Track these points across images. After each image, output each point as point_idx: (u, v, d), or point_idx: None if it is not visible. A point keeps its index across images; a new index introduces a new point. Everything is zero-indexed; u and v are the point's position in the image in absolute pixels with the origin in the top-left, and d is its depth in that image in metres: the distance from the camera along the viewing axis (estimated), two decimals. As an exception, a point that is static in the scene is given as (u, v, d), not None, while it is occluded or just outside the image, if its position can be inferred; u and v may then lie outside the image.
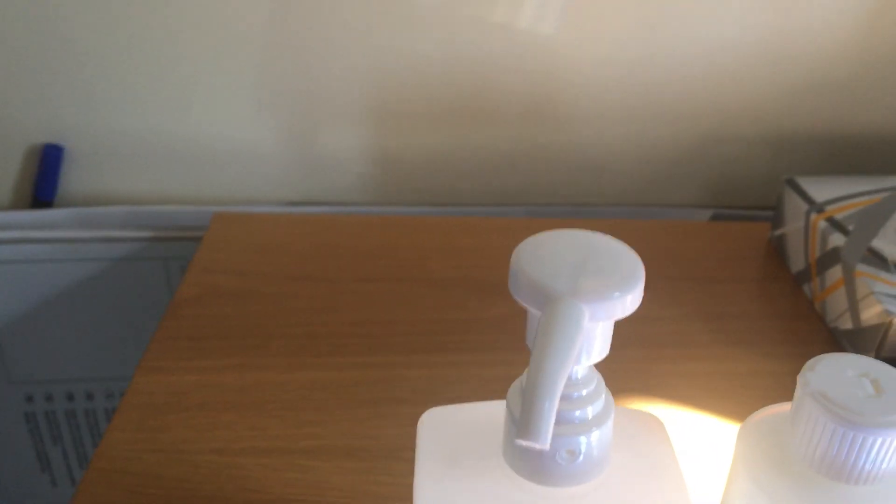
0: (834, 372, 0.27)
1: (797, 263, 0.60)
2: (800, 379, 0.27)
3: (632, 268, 0.24)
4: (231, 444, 0.47)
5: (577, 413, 0.25)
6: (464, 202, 0.71)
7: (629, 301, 0.23)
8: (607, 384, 0.51)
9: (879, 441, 0.25)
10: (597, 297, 0.23)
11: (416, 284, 0.60)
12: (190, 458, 0.46)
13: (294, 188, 0.71)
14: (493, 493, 0.26)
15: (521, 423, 0.20)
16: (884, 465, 0.26)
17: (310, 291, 0.59)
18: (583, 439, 0.25)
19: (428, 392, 0.51)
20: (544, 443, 0.20)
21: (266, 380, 0.51)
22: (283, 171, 0.70)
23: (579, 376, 0.25)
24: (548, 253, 0.24)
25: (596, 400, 0.25)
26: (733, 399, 0.50)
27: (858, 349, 0.51)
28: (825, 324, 0.56)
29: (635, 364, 0.53)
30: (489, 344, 0.54)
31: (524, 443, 0.20)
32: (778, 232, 0.63)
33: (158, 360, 0.52)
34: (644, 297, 0.60)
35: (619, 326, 0.56)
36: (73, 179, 0.70)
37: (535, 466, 0.25)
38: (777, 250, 0.63)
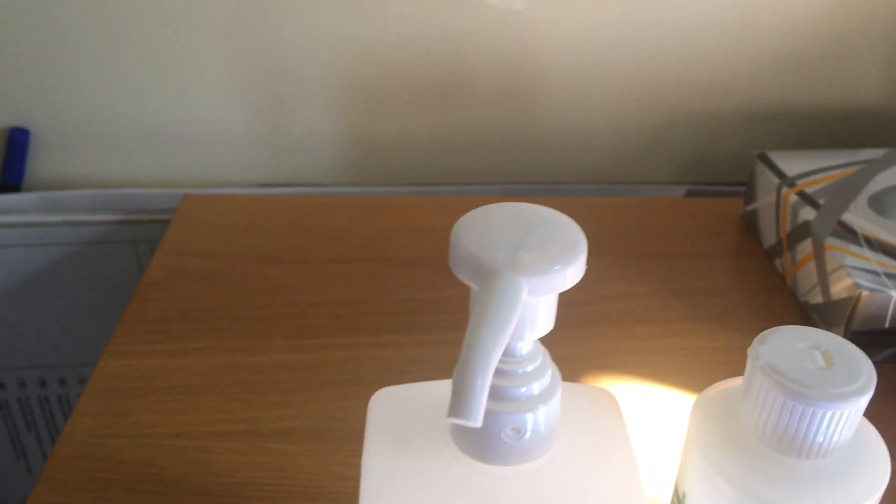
0: (785, 345, 0.26)
1: (769, 238, 0.60)
2: (750, 352, 0.26)
3: (573, 240, 0.23)
4: (196, 427, 0.46)
5: (523, 390, 0.25)
6: (437, 182, 0.71)
7: (570, 274, 0.23)
8: (574, 362, 0.51)
9: (829, 414, 0.25)
10: (536, 270, 0.22)
11: (385, 264, 0.59)
12: (154, 443, 0.45)
13: (265, 170, 0.70)
14: (440, 473, 0.25)
15: (453, 399, 0.20)
16: (835, 439, 0.26)
17: (278, 273, 0.58)
18: (529, 416, 0.24)
19: (396, 372, 0.50)
20: (476, 420, 0.20)
21: (233, 362, 0.50)
22: (253, 153, 0.69)
23: (524, 352, 0.25)
24: (488, 226, 0.23)
25: (542, 376, 0.25)
26: (701, 375, 0.50)
27: (828, 323, 0.51)
28: (796, 298, 0.56)
29: (604, 341, 0.53)
30: (459, 323, 0.53)
31: (456, 420, 0.20)
32: (750, 207, 0.62)
33: (124, 343, 0.52)
34: (615, 275, 0.60)
35: (589, 304, 0.56)
36: (40, 163, 0.69)
37: (480, 445, 0.25)
38: (749, 225, 0.63)
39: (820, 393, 0.25)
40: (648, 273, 0.59)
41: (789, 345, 0.26)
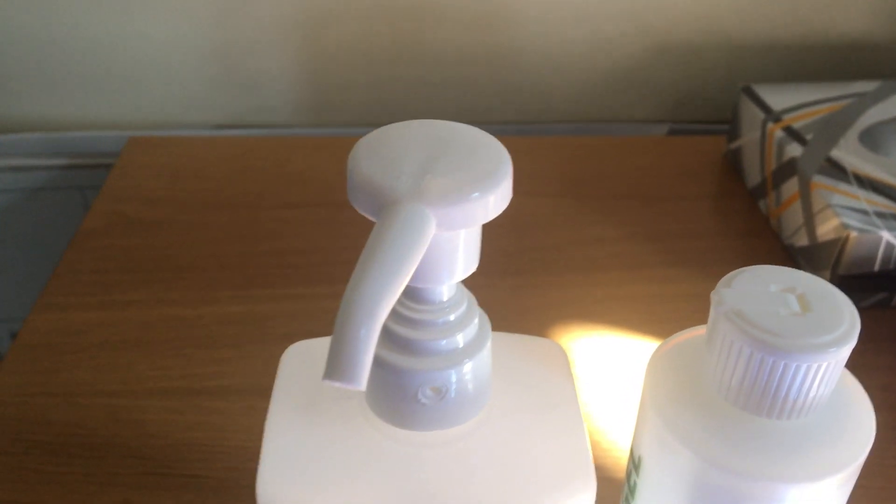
0: (755, 287, 0.23)
1: (753, 177, 0.56)
2: (713, 296, 0.23)
3: (494, 162, 0.19)
4: (131, 385, 0.43)
5: (444, 342, 0.21)
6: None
7: (492, 203, 0.19)
8: (539, 311, 0.47)
9: (804, 367, 0.21)
10: (446, 199, 0.18)
11: (343, 209, 0.55)
12: (84, 402, 0.42)
13: (221, 110, 0.66)
14: (350, 440, 0.22)
15: (330, 357, 0.16)
16: (811, 396, 0.22)
17: (227, 219, 0.54)
18: (451, 373, 0.21)
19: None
20: (358, 382, 0.16)
21: (174, 315, 0.47)
22: (208, 92, 0.65)
23: (444, 298, 0.21)
24: (393, 149, 0.19)
25: (467, 325, 0.21)
26: (677, 324, 0.46)
27: (815, 267, 0.47)
28: (781, 241, 0.52)
29: (574, 289, 0.49)
30: (418, 271, 0.50)
31: (334, 383, 0.16)
32: (734, 145, 0.58)
33: (58, 296, 0.48)
34: (589, 219, 0.56)
35: (560, 249, 0.52)
36: (-23, 105, 0.64)
37: (395, 408, 0.21)
38: (733, 165, 0.59)
39: (793, 343, 0.21)
40: (625, 216, 0.55)
41: (759, 287, 0.23)
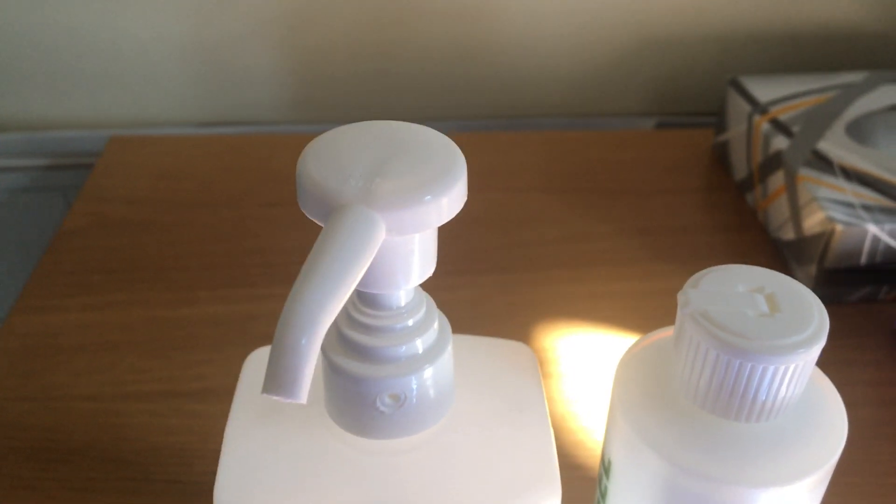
0: (722, 287, 0.22)
1: (740, 171, 0.55)
2: (679, 297, 0.22)
3: (446, 164, 0.19)
4: (110, 388, 0.42)
5: (403, 349, 0.20)
6: (387, 119, 0.66)
7: (445, 205, 0.18)
8: (522, 309, 0.47)
9: (771, 370, 0.21)
10: (397, 203, 0.18)
11: (326, 207, 0.55)
12: (62, 406, 0.41)
13: (204, 107, 0.65)
14: (310, 448, 0.21)
15: (269, 368, 0.16)
16: (780, 398, 0.21)
17: (209, 219, 0.54)
18: (410, 380, 0.20)
19: (331, 324, 0.46)
20: (298, 396, 0.16)
21: (154, 317, 0.46)
22: (191, 89, 0.64)
23: (402, 303, 0.20)
24: (344, 150, 0.19)
25: (426, 330, 0.21)
26: (664, 319, 0.46)
27: (801, 261, 0.47)
28: (768, 235, 0.52)
29: (559, 286, 0.48)
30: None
31: (274, 396, 0.16)
32: (721, 138, 0.58)
33: (36, 298, 0.48)
34: (575, 214, 0.55)
35: (545, 245, 0.52)
36: (-42, 106, 0.64)
37: (355, 416, 0.21)
38: (720, 158, 0.58)
39: (760, 345, 0.21)
40: (608, 211, 0.54)
41: (727, 288, 0.22)
